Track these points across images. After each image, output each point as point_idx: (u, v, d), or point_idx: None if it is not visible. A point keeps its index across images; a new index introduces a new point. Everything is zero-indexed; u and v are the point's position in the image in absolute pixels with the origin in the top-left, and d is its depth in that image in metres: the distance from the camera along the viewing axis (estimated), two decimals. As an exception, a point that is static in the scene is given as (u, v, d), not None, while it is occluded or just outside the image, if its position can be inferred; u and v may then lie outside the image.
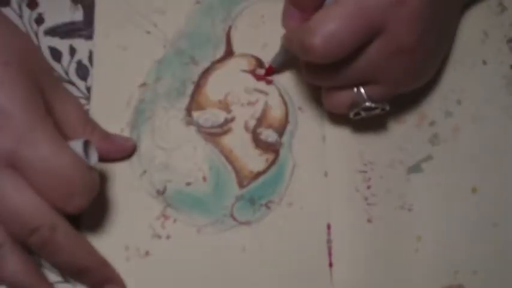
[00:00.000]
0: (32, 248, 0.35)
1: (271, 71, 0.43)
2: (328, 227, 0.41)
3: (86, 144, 0.36)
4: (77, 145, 0.35)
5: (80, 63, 0.43)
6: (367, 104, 0.38)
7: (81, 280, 0.38)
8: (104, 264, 0.38)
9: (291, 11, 0.38)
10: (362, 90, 0.38)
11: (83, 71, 0.43)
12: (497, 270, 0.40)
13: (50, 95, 0.37)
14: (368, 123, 0.42)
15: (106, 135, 0.40)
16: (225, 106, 0.43)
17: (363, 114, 0.39)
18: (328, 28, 0.34)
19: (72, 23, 0.44)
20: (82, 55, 0.43)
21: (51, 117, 0.36)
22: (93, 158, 0.36)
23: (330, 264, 0.40)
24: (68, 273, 0.38)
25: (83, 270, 0.37)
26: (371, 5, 0.34)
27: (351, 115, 0.39)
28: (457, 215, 0.41)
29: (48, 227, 0.34)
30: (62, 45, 0.44)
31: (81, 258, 0.36)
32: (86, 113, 0.41)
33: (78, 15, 0.44)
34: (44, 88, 0.37)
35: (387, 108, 0.39)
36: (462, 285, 0.40)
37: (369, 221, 0.41)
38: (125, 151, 0.41)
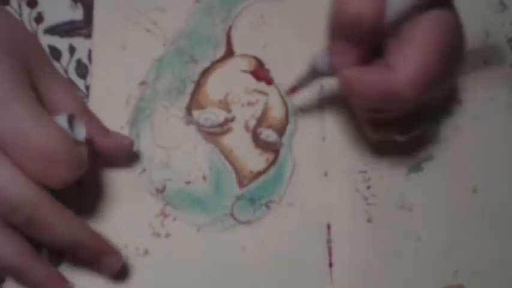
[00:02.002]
0: (18, 228, 0.34)
1: (296, 90, 0.42)
2: (328, 227, 0.41)
3: (71, 119, 0.35)
4: (61, 120, 0.34)
5: (79, 62, 0.43)
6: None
7: (77, 256, 0.37)
8: (96, 237, 0.37)
9: (341, 47, 0.34)
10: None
11: (82, 70, 0.43)
12: (498, 270, 0.40)
13: (46, 86, 0.37)
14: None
15: (104, 128, 0.40)
16: (225, 106, 0.43)
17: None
18: (421, 76, 0.33)
19: (72, 22, 0.44)
20: (82, 54, 0.43)
21: (45, 104, 0.36)
22: (80, 134, 0.35)
23: (330, 264, 0.40)
24: (61, 250, 0.37)
25: (75, 246, 0.35)
26: (447, 40, 0.34)
27: (403, 138, 0.39)
28: (458, 215, 0.41)
29: (30, 203, 0.32)
30: (62, 44, 0.44)
31: (70, 234, 0.35)
32: (84, 105, 0.40)
33: (78, 14, 0.44)
34: (39, 79, 0.36)
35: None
36: (462, 285, 0.40)
37: (369, 221, 0.41)
38: (122, 148, 0.40)
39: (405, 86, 0.33)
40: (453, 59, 0.34)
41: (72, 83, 0.43)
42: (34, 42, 0.39)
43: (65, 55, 0.43)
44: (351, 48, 0.34)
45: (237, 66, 0.43)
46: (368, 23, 0.33)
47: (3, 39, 0.35)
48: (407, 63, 0.33)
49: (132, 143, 0.40)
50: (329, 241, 0.41)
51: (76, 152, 0.34)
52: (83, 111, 0.38)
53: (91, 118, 0.39)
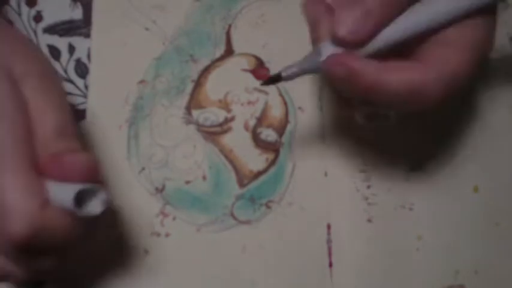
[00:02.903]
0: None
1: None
2: (328, 227, 0.41)
3: (84, 193, 0.30)
4: (65, 191, 0.30)
5: (78, 62, 0.43)
6: None
7: None
8: None
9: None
10: None
11: (81, 69, 0.43)
12: (499, 270, 0.40)
13: (29, 103, 0.32)
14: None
15: (60, 155, 0.31)
16: (225, 105, 0.42)
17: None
18: (451, 77, 0.32)
19: (71, 21, 0.44)
20: (81, 53, 0.43)
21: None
22: (92, 208, 0.30)
23: (330, 264, 0.40)
24: None
25: None
26: (480, 39, 0.33)
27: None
28: (458, 214, 0.41)
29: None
30: (61, 43, 0.44)
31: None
32: (62, 126, 0.32)
33: (77, 13, 0.44)
34: (25, 95, 0.32)
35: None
36: (463, 285, 0.40)
37: (369, 221, 0.41)
38: (78, 174, 0.31)
39: (436, 86, 0.31)
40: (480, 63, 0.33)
41: (71, 82, 0.43)
42: (22, 50, 0.34)
43: (64, 54, 0.43)
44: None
45: (237, 65, 0.43)
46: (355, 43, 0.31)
47: None
48: (441, 62, 0.31)
49: (89, 169, 0.31)
50: (329, 241, 0.41)
51: (34, 215, 0.29)
52: (58, 136, 0.32)
53: (66, 137, 0.32)
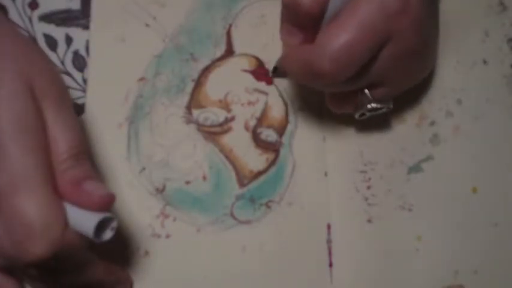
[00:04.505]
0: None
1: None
2: (328, 227, 0.41)
3: (106, 220, 0.31)
4: (90, 219, 0.31)
5: (76, 54, 0.43)
6: (373, 105, 0.38)
7: None
8: (109, 270, 0.37)
9: (289, 28, 0.36)
10: (367, 92, 0.38)
11: (79, 62, 0.43)
12: (498, 270, 0.40)
13: (46, 121, 0.32)
14: (368, 123, 0.42)
15: (78, 181, 0.32)
16: (225, 105, 0.42)
17: (368, 114, 0.39)
18: (337, 51, 0.33)
19: (69, 11, 0.43)
20: (79, 45, 0.43)
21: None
22: (105, 235, 0.32)
23: (330, 264, 0.40)
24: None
25: (91, 285, 0.36)
26: (375, 19, 0.33)
27: (357, 116, 0.39)
28: (457, 215, 0.41)
29: None
30: (58, 33, 0.43)
31: (87, 276, 0.34)
32: (77, 146, 0.32)
33: (75, 3, 0.44)
34: (42, 113, 0.32)
35: (391, 106, 0.39)
36: (462, 286, 0.40)
37: (369, 221, 0.41)
38: (96, 205, 0.32)
39: (323, 60, 0.33)
40: (378, 40, 0.34)
41: (69, 75, 0.42)
42: (39, 62, 0.33)
43: (61, 45, 0.43)
44: (295, 31, 0.35)
45: (237, 65, 0.43)
46: (304, 11, 0.34)
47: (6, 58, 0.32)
48: (326, 39, 0.33)
49: (109, 198, 0.32)
50: (329, 241, 0.41)
51: (54, 234, 0.30)
52: (71, 156, 0.32)
53: (75, 167, 0.32)
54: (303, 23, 0.35)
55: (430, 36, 0.37)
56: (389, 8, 0.33)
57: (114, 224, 0.32)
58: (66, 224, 0.31)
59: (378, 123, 0.42)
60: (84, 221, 0.31)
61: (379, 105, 0.38)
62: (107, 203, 0.32)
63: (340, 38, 0.33)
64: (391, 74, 0.37)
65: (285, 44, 0.37)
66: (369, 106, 0.38)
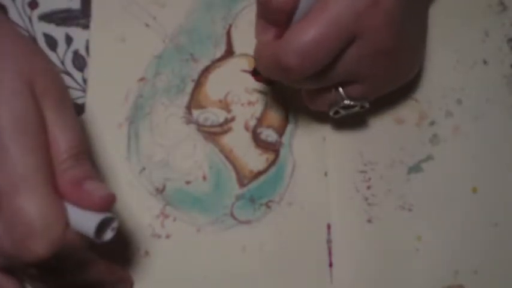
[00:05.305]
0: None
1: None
2: (328, 227, 0.41)
3: (108, 222, 0.32)
4: (91, 219, 0.31)
5: (76, 53, 0.43)
6: (346, 102, 0.37)
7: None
8: (110, 269, 0.37)
9: (263, 24, 0.36)
10: (340, 89, 0.37)
11: (79, 62, 0.43)
12: (498, 270, 0.40)
13: (46, 121, 0.32)
14: (368, 123, 0.42)
15: (78, 181, 0.32)
16: (225, 105, 0.42)
17: (343, 112, 0.38)
18: (302, 46, 0.33)
19: (69, 11, 0.43)
20: (79, 45, 0.43)
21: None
22: (106, 235, 0.32)
23: (330, 264, 0.40)
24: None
25: (93, 285, 0.36)
26: (343, 16, 0.33)
27: (331, 113, 0.39)
28: (457, 215, 0.41)
29: None
30: (58, 32, 0.43)
31: (89, 276, 0.35)
32: (77, 146, 0.32)
33: (75, 3, 0.44)
34: (43, 113, 0.32)
35: (367, 105, 0.38)
36: (462, 286, 0.40)
37: (369, 221, 0.41)
38: (97, 205, 0.32)
39: (289, 55, 0.33)
40: (346, 37, 0.34)
41: (69, 75, 0.42)
42: (40, 62, 0.33)
43: (61, 45, 0.43)
44: (269, 27, 0.36)
45: (237, 65, 0.43)
46: (276, 6, 0.34)
47: (7, 58, 0.32)
48: (294, 34, 0.33)
49: (109, 201, 0.32)
50: (329, 241, 0.41)
51: (55, 233, 0.30)
52: (71, 156, 0.32)
53: (74, 167, 0.32)
54: (275, 19, 0.35)
55: (405, 37, 0.36)
56: (359, 5, 0.33)
57: (115, 224, 0.32)
58: (66, 223, 0.31)
59: (378, 123, 0.42)
60: (84, 221, 0.31)
61: (351, 103, 0.37)
62: (107, 203, 0.32)
63: (306, 34, 0.33)
64: (363, 71, 0.36)
65: (258, 40, 0.37)
66: (341, 103, 0.37)
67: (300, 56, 0.33)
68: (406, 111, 0.43)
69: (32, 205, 0.29)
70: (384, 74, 0.38)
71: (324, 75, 0.35)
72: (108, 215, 0.31)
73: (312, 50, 0.33)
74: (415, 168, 0.42)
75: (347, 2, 0.33)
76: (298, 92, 0.43)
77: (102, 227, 0.31)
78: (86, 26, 0.43)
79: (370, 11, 0.33)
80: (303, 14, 0.34)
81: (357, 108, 0.38)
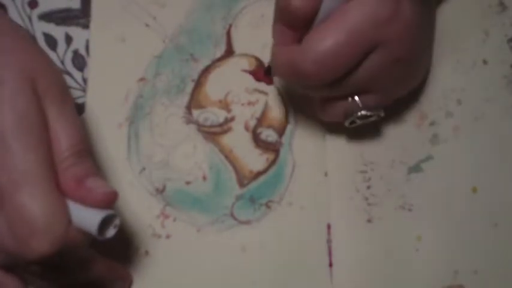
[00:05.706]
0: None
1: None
2: (328, 227, 0.41)
3: (110, 219, 0.32)
4: (94, 216, 0.31)
5: (76, 53, 0.43)
6: (363, 112, 0.37)
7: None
8: (111, 267, 0.37)
9: (280, 28, 0.36)
10: (357, 99, 0.37)
11: (79, 61, 0.43)
12: (498, 270, 0.40)
13: (48, 118, 0.32)
14: (368, 123, 0.41)
15: (80, 178, 0.32)
16: (225, 105, 0.42)
17: (359, 122, 0.38)
18: (321, 54, 0.33)
19: (68, 10, 0.43)
20: (79, 44, 0.43)
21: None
22: (108, 233, 0.32)
23: (330, 264, 0.40)
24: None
25: (94, 282, 0.36)
26: (363, 25, 0.33)
27: (347, 124, 0.39)
28: (457, 215, 0.41)
29: None
30: (57, 32, 0.43)
31: (90, 274, 0.35)
32: (79, 144, 0.32)
33: (75, 3, 0.44)
34: (44, 111, 0.32)
35: (382, 114, 0.38)
36: (462, 286, 0.40)
37: (369, 221, 0.41)
38: (99, 202, 0.32)
39: (306, 62, 0.33)
40: (365, 46, 0.34)
41: (69, 75, 0.42)
42: (41, 60, 0.33)
43: (61, 44, 0.43)
44: (287, 31, 0.36)
45: (237, 65, 0.43)
46: (296, 11, 0.34)
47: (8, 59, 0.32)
48: (312, 41, 0.33)
49: (111, 198, 0.32)
50: (329, 241, 0.41)
51: (58, 231, 0.30)
52: (73, 153, 0.32)
53: (76, 164, 0.32)
54: (294, 24, 0.35)
55: (421, 45, 0.37)
56: (380, 14, 0.33)
57: (117, 222, 0.32)
58: (69, 221, 0.31)
59: (378, 123, 0.42)
60: (87, 218, 0.31)
61: (368, 113, 0.38)
62: (110, 200, 0.32)
63: (325, 41, 0.33)
64: (380, 81, 0.36)
65: (275, 44, 0.37)
66: (358, 113, 0.37)
67: (318, 63, 0.33)
68: (406, 111, 0.43)
69: (34, 203, 0.29)
70: (398, 83, 0.38)
71: (341, 82, 0.35)
72: (110, 212, 0.31)
73: (330, 59, 0.33)
74: (415, 168, 0.42)
75: (368, 10, 0.33)
76: (299, 92, 0.43)
77: (104, 224, 0.31)
78: (86, 26, 0.43)
79: (391, 20, 0.33)
80: (323, 18, 0.34)
81: (373, 118, 0.38)
